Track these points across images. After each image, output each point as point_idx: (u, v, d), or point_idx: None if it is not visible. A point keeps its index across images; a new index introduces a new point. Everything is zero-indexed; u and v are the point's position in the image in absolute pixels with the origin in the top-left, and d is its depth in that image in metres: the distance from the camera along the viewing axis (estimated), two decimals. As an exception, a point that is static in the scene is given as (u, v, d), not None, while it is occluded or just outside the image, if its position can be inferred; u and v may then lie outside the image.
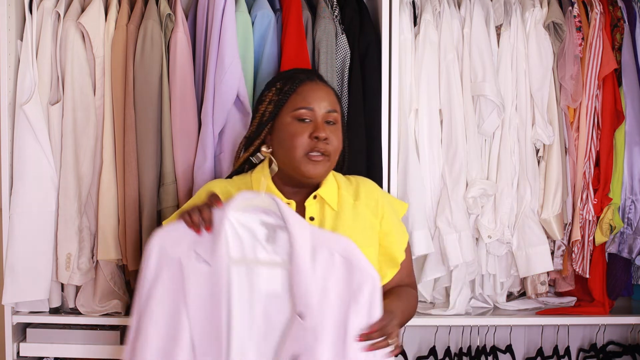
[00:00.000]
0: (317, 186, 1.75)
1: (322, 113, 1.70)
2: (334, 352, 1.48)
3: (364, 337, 1.50)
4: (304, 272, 1.49)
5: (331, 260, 1.51)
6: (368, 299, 1.51)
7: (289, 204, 1.72)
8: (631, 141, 2.35)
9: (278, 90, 1.74)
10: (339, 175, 1.82)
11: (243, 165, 1.81)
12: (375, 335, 1.51)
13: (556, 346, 2.51)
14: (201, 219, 1.53)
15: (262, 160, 1.77)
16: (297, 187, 1.74)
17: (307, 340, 1.47)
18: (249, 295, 1.52)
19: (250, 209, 1.54)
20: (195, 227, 1.52)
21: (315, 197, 1.73)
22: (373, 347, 1.51)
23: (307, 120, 1.69)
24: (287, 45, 2.13)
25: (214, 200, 1.55)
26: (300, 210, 1.70)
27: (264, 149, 1.75)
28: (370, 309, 1.51)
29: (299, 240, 1.51)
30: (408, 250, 1.82)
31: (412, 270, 1.84)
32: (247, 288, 1.52)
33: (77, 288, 2.21)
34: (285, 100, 1.72)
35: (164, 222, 1.76)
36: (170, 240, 1.54)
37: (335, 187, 1.77)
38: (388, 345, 1.52)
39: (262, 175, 1.69)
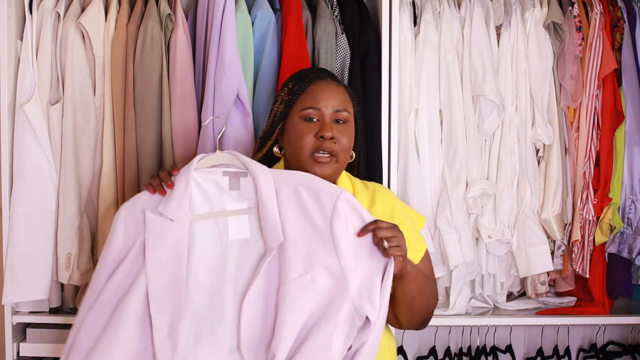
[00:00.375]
0: None
1: (329, 112, 1.70)
2: (331, 274, 1.50)
3: (360, 233, 1.53)
4: (272, 209, 1.53)
5: (297, 195, 1.55)
6: (348, 209, 1.54)
7: None
8: (631, 141, 2.35)
9: (289, 90, 1.76)
10: (357, 180, 1.82)
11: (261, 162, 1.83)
12: (370, 227, 1.52)
13: (556, 346, 2.51)
14: (159, 180, 1.60)
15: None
16: None
17: (293, 273, 1.50)
18: (221, 245, 1.55)
19: (212, 168, 1.60)
20: (157, 189, 1.59)
21: None
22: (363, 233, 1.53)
23: (314, 120, 1.70)
24: (287, 45, 2.13)
25: (171, 168, 1.63)
26: None
27: (275, 149, 1.77)
28: (356, 214, 1.54)
29: (262, 180, 1.56)
30: (427, 259, 1.79)
31: (433, 275, 1.80)
32: (218, 239, 1.56)
33: (77, 288, 2.21)
34: (294, 100, 1.73)
35: None
36: (137, 207, 1.59)
37: (350, 191, 1.75)
38: (382, 242, 1.51)
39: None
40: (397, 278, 1.58)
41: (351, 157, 1.80)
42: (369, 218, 1.54)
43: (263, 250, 1.54)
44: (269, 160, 1.79)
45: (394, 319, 1.73)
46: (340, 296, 1.49)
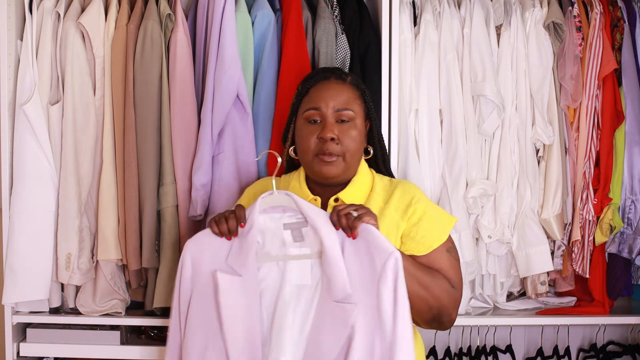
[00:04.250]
0: (345, 186, 1.75)
1: (330, 112, 1.70)
2: (371, 327, 1.51)
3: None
4: (339, 263, 1.52)
5: (356, 247, 1.54)
6: (393, 274, 1.52)
7: (315, 199, 1.75)
8: (631, 141, 2.34)
9: (297, 93, 1.79)
10: (381, 179, 1.81)
11: (290, 165, 1.87)
12: (334, 218, 1.53)
13: (556, 346, 2.51)
14: (227, 227, 1.57)
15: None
16: (323, 186, 1.75)
17: (349, 324, 1.50)
18: (282, 289, 1.56)
19: (269, 209, 1.59)
20: (224, 235, 1.58)
21: (336, 199, 1.74)
22: (340, 226, 1.52)
23: (317, 121, 1.70)
24: (287, 45, 2.13)
25: (239, 212, 1.59)
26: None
27: (291, 151, 1.81)
28: (396, 284, 1.52)
29: (325, 234, 1.54)
30: (442, 253, 1.75)
31: (452, 270, 1.75)
32: (279, 283, 1.56)
33: (77, 288, 2.21)
34: (299, 103, 1.77)
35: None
36: (200, 250, 1.61)
37: (365, 189, 1.76)
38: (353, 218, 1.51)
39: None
40: None
41: (368, 153, 1.81)
42: (402, 292, 1.52)
43: (319, 298, 1.54)
44: (291, 161, 1.84)
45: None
46: (372, 352, 1.51)
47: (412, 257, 1.71)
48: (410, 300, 1.60)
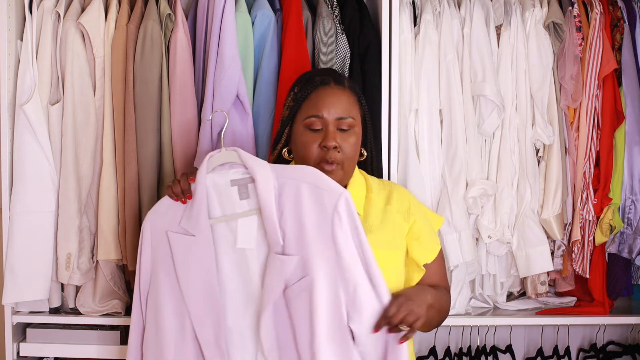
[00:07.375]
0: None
1: (332, 120, 1.70)
2: (331, 274, 1.52)
3: (376, 329, 1.53)
4: (271, 214, 1.54)
5: (298, 193, 1.56)
6: (347, 214, 1.54)
7: None
8: (631, 141, 2.34)
9: (294, 95, 1.77)
10: (372, 179, 1.82)
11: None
12: (383, 322, 1.53)
13: (556, 346, 2.51)
14: (180, 189, 1.62)
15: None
16: None
17: (297, 274, 1.52)
18: (233, 248, 1.58)
19: (218, 167, 1.61)
20: (177, 197, 1.62)
21: None
22: (391, 331, 1.53)
23: (318, 129, 1.69)
24: (287, 45, 2.13)
25: (189, 174, 1.64)
26: None
27: (285, 152, 1.79)
28: (351, 223, 1.54)
29: (261, 183, 1.56)
30: (439, 261, 1.81)
31: (445, 277, 1.84)
32: (230, 242, 1.58)
33: (77, 288, 2.21)
34: (298, 107, 1.74)
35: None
36: (158, 218, 1.64)
37: (363, 190, 1.77)
38: (399, 330, 1.53)
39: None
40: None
41: (362, 155, 1.81)
42: (361, 229, 1.55)
43: (266, 252, 1.56)
44: (283, 163, 1.81)
45: None
46: (337, 300, 1.51)
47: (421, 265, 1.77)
48: (429, 326, 1.72)
